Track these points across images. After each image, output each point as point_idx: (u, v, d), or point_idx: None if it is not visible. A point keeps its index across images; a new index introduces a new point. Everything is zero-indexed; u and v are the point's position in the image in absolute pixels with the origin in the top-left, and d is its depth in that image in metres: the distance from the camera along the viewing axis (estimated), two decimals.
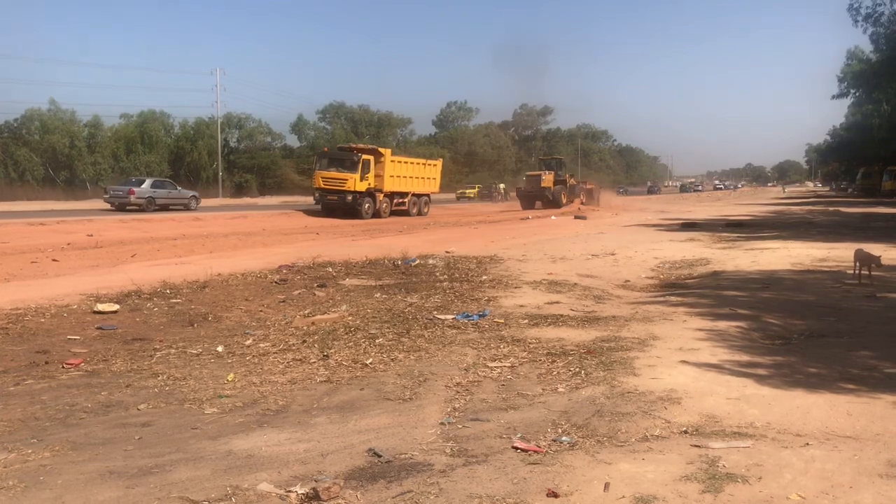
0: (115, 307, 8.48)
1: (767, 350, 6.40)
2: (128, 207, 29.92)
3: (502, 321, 7.72)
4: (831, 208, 36.12)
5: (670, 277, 11.79)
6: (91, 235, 20.28)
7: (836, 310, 8.15)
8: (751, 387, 5.21)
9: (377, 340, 6.87)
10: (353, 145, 35.91)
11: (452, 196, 58.75)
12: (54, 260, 14.81)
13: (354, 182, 30.47)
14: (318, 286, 10.12)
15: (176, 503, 3.44)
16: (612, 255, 14.36)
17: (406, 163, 35.81)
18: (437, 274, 11.41)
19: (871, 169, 60.22)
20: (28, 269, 13.24)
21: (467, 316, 7.91)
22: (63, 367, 6.08)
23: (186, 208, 32.44)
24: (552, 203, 39.83)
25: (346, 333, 7.19)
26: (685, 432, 4.29)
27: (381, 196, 32.51)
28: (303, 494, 3.46)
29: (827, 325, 7.34)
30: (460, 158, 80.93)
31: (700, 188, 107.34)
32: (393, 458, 3.96)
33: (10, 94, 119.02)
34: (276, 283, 10.57)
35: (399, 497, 3.43)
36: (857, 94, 57.29)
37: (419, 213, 35.37)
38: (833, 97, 58.92)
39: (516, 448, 4.07)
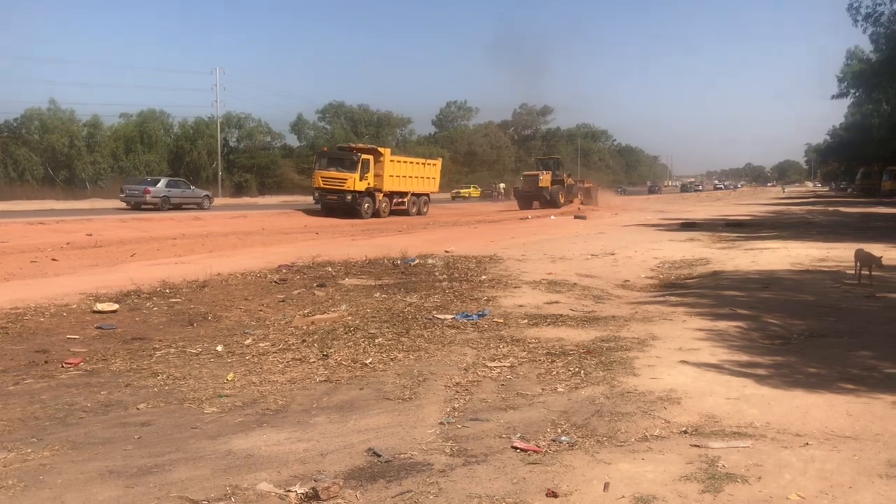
0: (115, 307, 8.49)
1: (767, 350, 6.40)
2: (143, 206, 30.44)
3: (502, 321, 7.72)
4: (831, 208, 36.14)
5: (670, 277, 11.80)
6: (90, 235, 20.27)
7: (836, 310, 8.16)
8: (750, 387, 5.21)
9: (377, 340, 6.87)
10: (353, 145, 35.94)
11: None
12: (54, 259, 14.81)
13: (354, 182, 30.47)
14: (317, 286, 10.12)
15: (175, 503, 3.43)
16: (612, 254, 14.36)
17: (405, 162, 35.80)
18: (437, 274, 11.41)
19: (871, 169, 60.25)
20: (27, 269, 13.24)
21: (467, 316, 7.90)
22: (62, 367, 6.07)
23: (200, 207, 32.85)
24: (550, 203, 39.83)
25: (346, 333, 7.19)
26: (685, 432, 4.29)
27: (380, 196, 32.50)
28: (302, 494, 3.46)
29: (826, 325, 7.34)
30: (460, 158, 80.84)
31: (700, 188, 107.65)
32: (392, 457, 3.96)
33: (10, 93, 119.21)
34: (275, 282, 10.57)
35: (398, 497, 3.43)
36: (857, 93, 57.29)
37: (419, 213, 35.36)
38: (833, 97, 59.11)
39: (516, 448, 4.07)
